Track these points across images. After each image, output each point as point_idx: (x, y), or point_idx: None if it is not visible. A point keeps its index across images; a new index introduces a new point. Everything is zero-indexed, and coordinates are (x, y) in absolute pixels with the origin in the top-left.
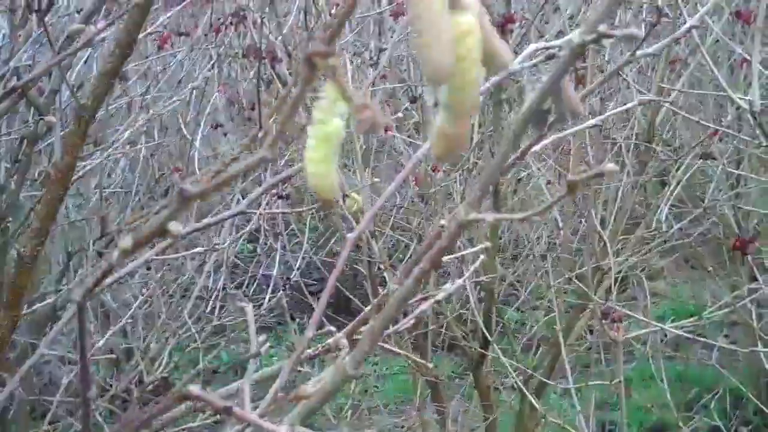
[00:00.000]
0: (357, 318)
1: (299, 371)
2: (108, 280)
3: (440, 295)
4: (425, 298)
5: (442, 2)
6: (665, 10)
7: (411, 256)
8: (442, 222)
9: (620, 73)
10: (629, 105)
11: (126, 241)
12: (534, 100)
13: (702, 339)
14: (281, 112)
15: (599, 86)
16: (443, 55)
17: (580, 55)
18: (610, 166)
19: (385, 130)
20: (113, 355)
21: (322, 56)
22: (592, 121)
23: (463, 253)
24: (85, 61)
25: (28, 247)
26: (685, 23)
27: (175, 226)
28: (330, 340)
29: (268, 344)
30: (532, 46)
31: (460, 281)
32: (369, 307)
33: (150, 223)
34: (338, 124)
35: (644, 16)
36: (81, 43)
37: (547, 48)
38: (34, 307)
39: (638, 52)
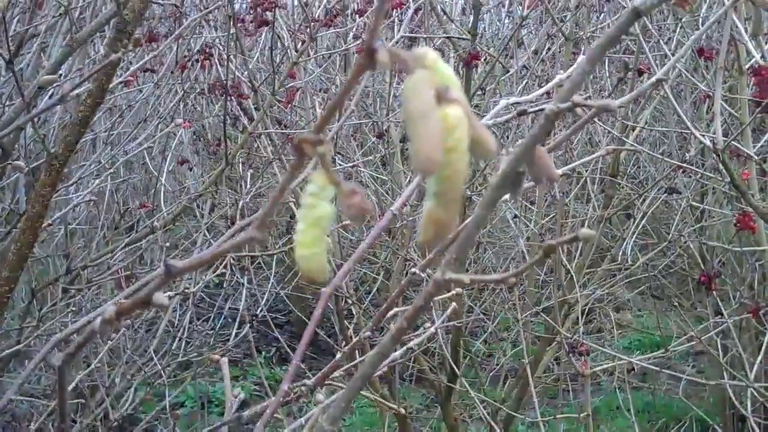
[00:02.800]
0: (328, 366)
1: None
2: (77, 325)
3: (413, 342)
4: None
5: (433, 97)
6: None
7: (378, 290)
8: (414, 270)
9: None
10: (596, 155)
11: (110, 312)
12: (508, 166)
13: (668, 371)
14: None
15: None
16: (433, 148)
17: (554, 123)
18: (586, 231)
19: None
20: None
21: (312, 144)
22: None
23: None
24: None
25: None
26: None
27: (159, 298)
28: (303, 387)
29: (241, 395)
30: (503, 102)
31: (432, 328)
32: (339, 356)
33: (136, 294)
34: (327, 208)
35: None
36: (55, 99)
37: (517, 103)
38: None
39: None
